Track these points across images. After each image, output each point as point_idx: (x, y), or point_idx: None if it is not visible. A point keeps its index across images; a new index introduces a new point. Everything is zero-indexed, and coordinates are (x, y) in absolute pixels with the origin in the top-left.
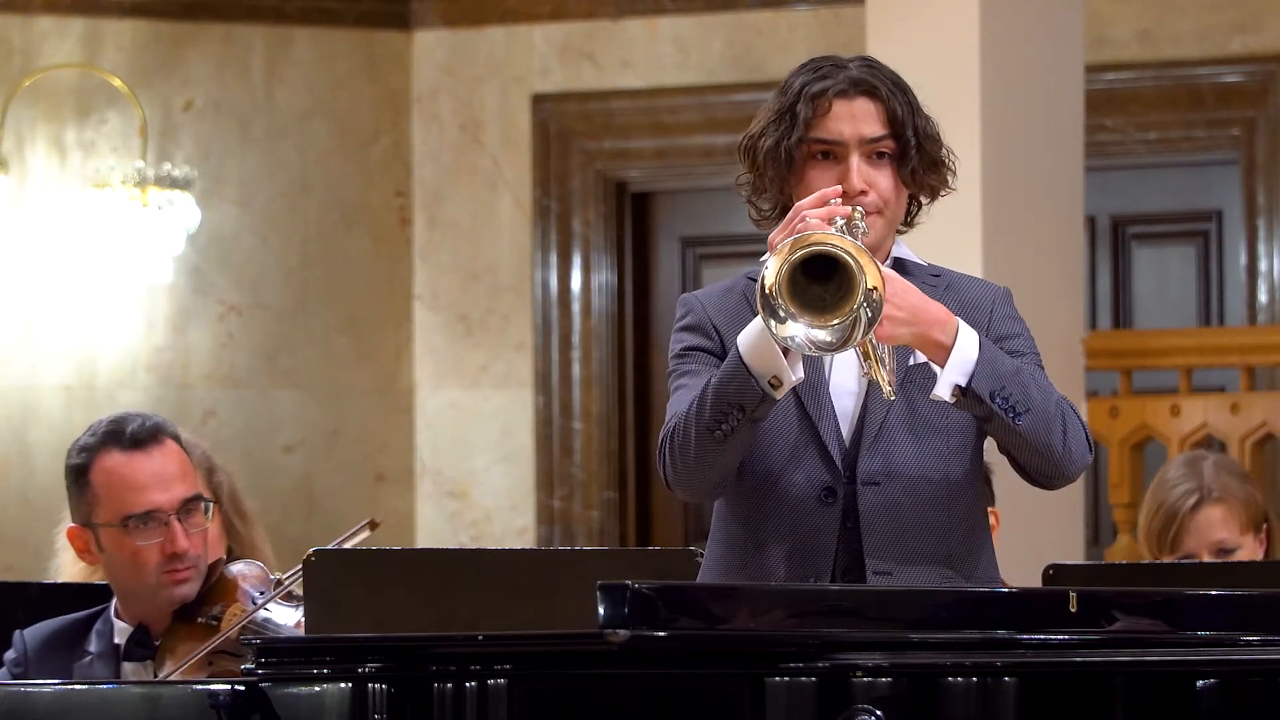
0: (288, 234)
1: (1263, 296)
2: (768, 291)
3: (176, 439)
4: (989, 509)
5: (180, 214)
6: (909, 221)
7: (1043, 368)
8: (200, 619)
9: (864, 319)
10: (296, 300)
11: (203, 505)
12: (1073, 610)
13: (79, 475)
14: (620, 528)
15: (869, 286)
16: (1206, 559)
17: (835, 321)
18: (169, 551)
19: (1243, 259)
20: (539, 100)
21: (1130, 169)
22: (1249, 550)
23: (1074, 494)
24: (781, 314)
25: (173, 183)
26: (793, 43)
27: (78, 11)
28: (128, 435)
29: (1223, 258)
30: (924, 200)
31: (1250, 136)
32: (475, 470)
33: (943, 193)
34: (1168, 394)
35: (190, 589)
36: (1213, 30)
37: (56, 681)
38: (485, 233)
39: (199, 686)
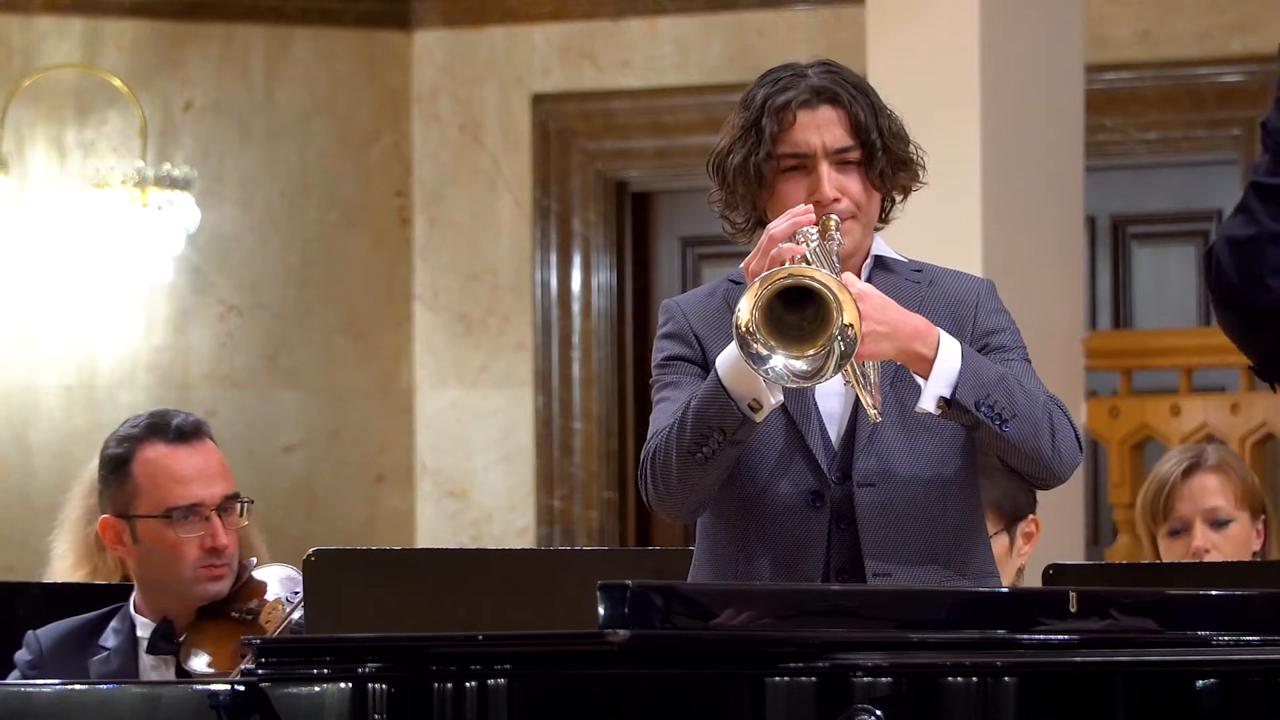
0: (288, 234)
1: None
2: (743, 330)
3: (213, 439)
4: (1030, 516)
5: (180, 214)
6: (884, 218)
7: (1029, 361)
8: (235, 614)
9: (838, 352)
10: (296, 300)
11: (239, 504)
12: (1073, 610)
13: (119, 465)
14: (620, 528)
15: (845, 323)
16: (1199, 529)
17: (811, 352)
18: (208, 546)
19: None
20: (539, 100)
21: (1130, 169)
22: (1244, 528)
23: (1074, 494)
24: (758, 349)
25: (173, 183)
26: (793, 43)
27: (78, 11)
28: (172, 428)
29: None
30: (896, 198)
31: (1250, 136)
32: (475, 470)
33: (914, 188)
34: (1168, 394)
35: (224, 586)
36: (1213, 30)
37: (57, 681)
38: (485, 233)
39: (199, 686)
